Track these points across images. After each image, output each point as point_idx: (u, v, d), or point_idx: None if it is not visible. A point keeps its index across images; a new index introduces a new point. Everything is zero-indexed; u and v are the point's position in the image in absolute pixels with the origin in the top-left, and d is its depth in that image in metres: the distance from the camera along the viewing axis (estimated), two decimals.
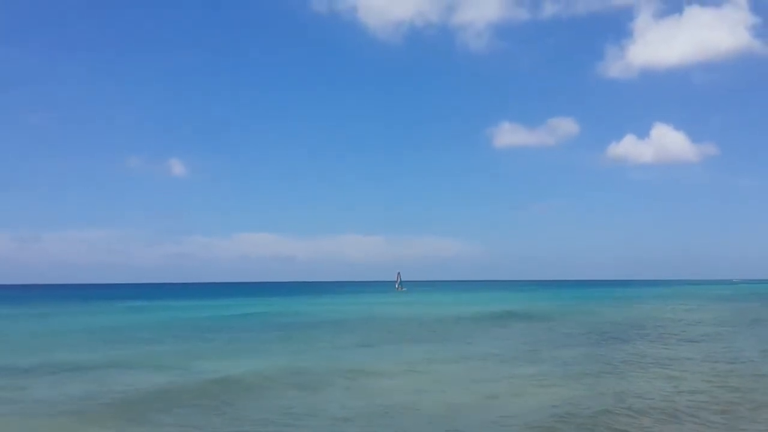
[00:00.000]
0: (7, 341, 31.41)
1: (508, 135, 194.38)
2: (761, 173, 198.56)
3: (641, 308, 56.82)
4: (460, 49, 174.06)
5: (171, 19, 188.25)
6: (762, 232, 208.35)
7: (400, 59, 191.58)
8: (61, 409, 15.05)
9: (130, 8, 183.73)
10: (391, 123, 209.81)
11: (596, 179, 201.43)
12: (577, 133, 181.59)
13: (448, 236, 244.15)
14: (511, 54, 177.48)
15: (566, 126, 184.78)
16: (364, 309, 59.26)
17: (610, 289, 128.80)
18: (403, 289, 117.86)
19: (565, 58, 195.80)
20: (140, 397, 16.18)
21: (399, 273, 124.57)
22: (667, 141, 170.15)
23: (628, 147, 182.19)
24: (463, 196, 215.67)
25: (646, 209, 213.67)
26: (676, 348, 25.54)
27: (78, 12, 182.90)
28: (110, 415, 14.47)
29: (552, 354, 24.00)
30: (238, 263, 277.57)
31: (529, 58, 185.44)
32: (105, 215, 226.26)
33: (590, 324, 37.91)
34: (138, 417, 14.31)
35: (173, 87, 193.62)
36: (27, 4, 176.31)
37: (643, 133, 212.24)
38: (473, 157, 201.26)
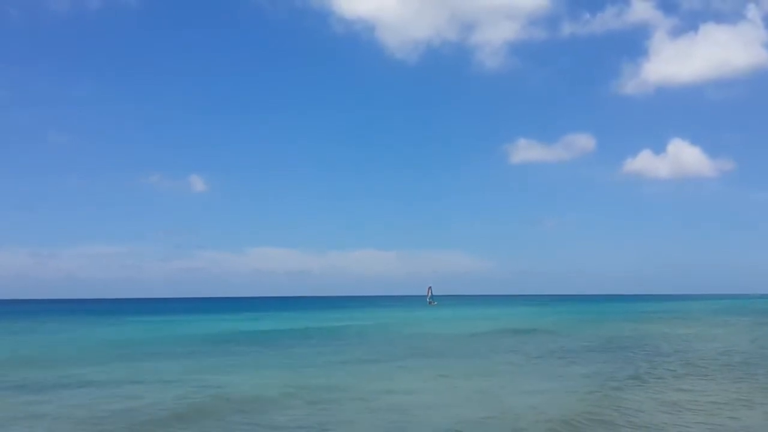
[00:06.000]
0: (24, 356, 31.50)
1: (525, 151, 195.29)
2: None
3: (656, 323, 56.20)
4: (477, 68, 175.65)
5: (190, 41, 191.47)
6: None
7: (417, 77, 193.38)
8: (85, 427, 15.08)
9: (151, 30, 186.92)
10: (407, 140, 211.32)
11: (612, 194, 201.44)
12: (594, 148, 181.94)
13: (464, 251, 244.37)
14: (527, 72, 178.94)
15: (582, 142, 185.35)
16: (418, 324, 58.68)
17: (626, 304, 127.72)
18: (435, 303, 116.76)
19: (581, 76, 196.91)
20: (162, 415, 16.14)
21: (430, 287, 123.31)
22: (684, 156, 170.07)
23: (645, 162, 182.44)
24: (480, 211, 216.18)
25: (663, 224, 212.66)
26: (687, 364, 25.10)
27: (99, 35, 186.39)
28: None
29: (566, 369, 23.80)
30: (252, 278, 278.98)
31: (545, 75, 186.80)
32: (122, 231, 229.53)
33: (605, 339, 37.52)
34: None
35: (194, 107, 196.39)
36: (49, 26, 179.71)
37: (659, 148, 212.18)
38: (490, 173, 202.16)
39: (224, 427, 14.75)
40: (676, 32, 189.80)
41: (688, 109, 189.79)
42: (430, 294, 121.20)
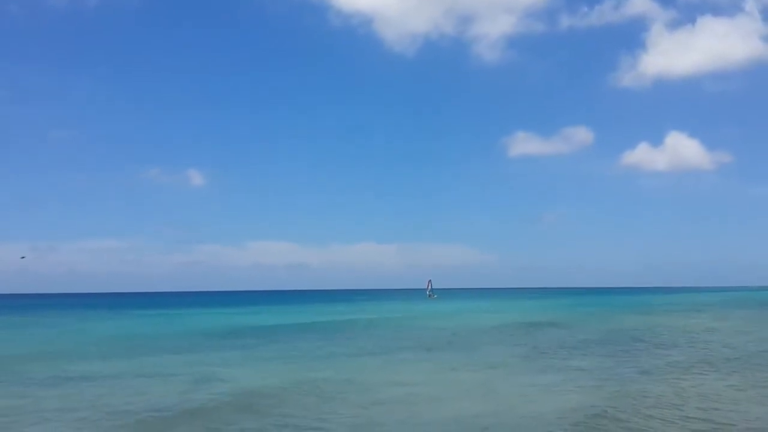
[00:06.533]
0: (26, 351, 31.44)
1: (523, 144, 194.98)
2: None
3: (656, 316, 56.27)
4: (475, 61, 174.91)
5: (188, 37, 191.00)
6: None
7: (415, 71, 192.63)
8: (95, 422, 15.10)
9: (149, 26, 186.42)
10: (406, 134, 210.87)
11: (610, 187, 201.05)
12: (592, 141, 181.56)
13: (462, 244, 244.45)
14: (526, 65, 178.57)
15: (580, 135, 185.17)
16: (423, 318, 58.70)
17: (624, 296, 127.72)
18: (435, 297, 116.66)
19: (579, 69, 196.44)
20: (169, 410, 16.22)
21: (430, 281, 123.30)
22: (682, 149, 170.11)
23: (642, 155, 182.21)
24: (478, 204, 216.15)
25: (661, 216, 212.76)
26: (691, 356, 25.11)
27: (98, 32, 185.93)
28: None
29: (569, 362, 23.81)
30: (252, 271, 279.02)
31: (543, 68, 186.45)
32: (122, 226, 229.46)
33: (607, 332, 37.59)
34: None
35: (192, 102, 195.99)
36: (48, 23, 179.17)
37: (657, 141, 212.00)
38: (488, 167, 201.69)
39: (233, 421, 14.72)
40: (674, 25, 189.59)
41: (685, 102, 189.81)
42: (430, 287, 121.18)
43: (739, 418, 14.22)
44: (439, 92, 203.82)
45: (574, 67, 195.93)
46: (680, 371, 20.88)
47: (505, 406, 15.94)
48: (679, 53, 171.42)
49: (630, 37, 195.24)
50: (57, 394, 18.31)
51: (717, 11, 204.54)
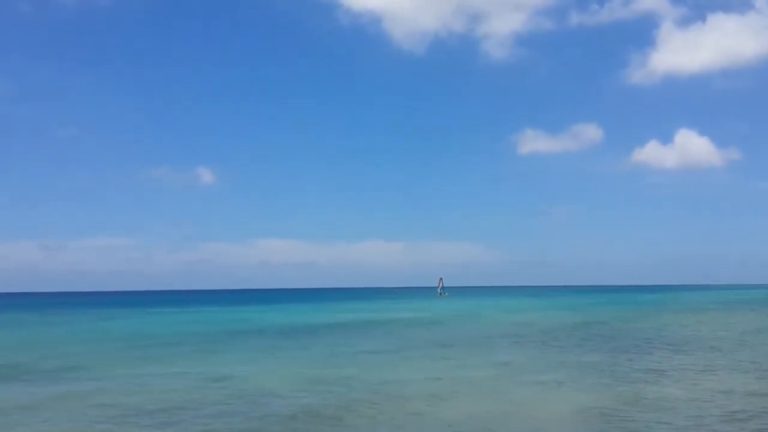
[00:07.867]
0: (36, 350, 31.37)
1: (532, 142, 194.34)
2: None
3: (667, 314, 56.20)
4: (484, 59, 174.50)
5: (196, 35, 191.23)
6: None
7: (424, 69, 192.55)
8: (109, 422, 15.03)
9: (156, 23, 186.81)
10: (415, 131, 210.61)
11: (619, 184, 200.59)
12: (601, 139, 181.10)
13: (471, 242, 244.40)
14: (535, 62, 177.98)
15: (590, 132, 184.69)
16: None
17: (634, 294, 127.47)
18: (446, 294, 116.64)
19: (588, 66, 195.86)
20: (183, 408, 16.24)
21: (441, 279, 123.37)
22: (691, 146, 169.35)
23: (652, 152, 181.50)
24: (487, 202, 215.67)
25: (670, 214, 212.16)
26: (702, 356, 24.82)
27: (105, 28, 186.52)
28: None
29: (580, 359, 23.67)
30: (259, 270, 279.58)
31: (552, 66, 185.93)
32: (130, 224, 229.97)
33: (618, 330, 37.52)
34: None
35: (201, 99, 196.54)
36: (54, 20, 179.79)
37: (666, 138, 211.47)
38: (497, 164, 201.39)
39: (247, 418, 14.60)
40: (684, 22, 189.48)
41: (695, 99, 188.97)
42: (441, 285, 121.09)
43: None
44: (448, 90, 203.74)
45: (583, 65, 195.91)
46: (696, 371, 20.66)
47: (523, 404, 15.85)
48: (689, 50, 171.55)
49: (640, 34, 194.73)
50: (75, 393, 18.12)
51: (727, 8, 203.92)
